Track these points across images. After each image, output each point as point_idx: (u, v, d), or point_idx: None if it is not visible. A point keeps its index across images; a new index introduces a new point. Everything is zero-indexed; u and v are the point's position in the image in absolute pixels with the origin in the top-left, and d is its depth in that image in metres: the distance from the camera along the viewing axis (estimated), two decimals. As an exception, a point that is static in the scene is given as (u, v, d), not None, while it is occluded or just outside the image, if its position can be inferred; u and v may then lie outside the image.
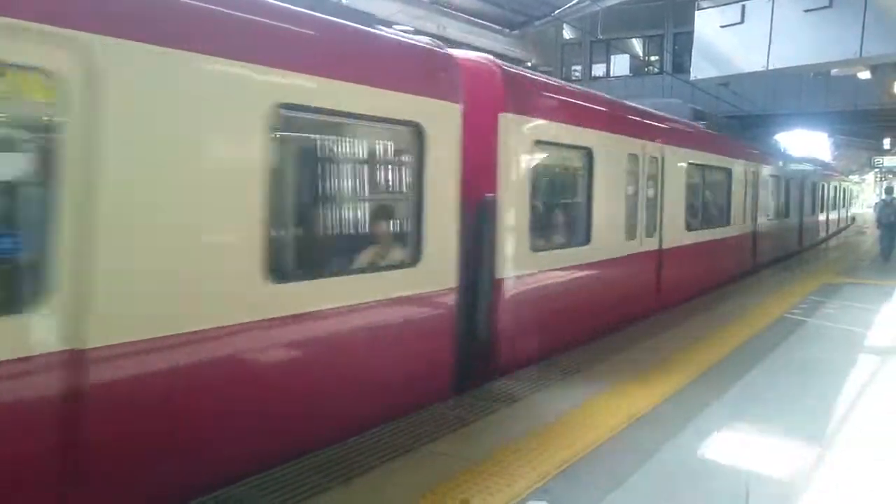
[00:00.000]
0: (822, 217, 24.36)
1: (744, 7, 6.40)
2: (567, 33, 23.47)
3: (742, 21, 6.33)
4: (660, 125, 9.67)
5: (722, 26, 6.50)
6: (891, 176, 43.19)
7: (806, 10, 5.81)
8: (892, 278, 13.45)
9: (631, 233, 8.61)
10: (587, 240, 7.41)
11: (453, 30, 16.74)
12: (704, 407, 5.22)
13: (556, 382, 5.83)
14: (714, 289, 11.37)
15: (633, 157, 8.56)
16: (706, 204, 11.94)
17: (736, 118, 20.21)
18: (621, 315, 8.14)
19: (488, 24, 18.38)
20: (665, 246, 9.50)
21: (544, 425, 4.74)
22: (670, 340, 7.49)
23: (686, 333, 7.88)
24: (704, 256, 11.29)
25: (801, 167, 19.83)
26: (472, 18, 17.61)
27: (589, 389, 5.59)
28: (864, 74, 14.05)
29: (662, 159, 9.35)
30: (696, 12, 6.76)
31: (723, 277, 12.27)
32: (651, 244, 9.16)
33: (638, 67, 24.03)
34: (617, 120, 8.39)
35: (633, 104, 9.55)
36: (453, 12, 16.82)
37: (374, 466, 4.01)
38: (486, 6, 17.35)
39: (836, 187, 28.53)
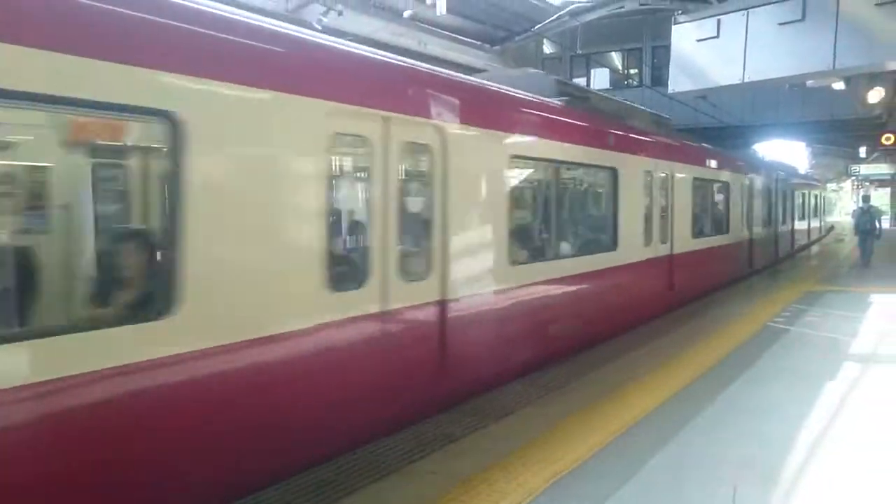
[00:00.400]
0: (803, 225, 24.72)
1: (719, 21, 6.50)
2: (547, 48, 23.69)
3: (718, 35, 6.43)
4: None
5: (698, 40, 6.60)
6: (867, 184, 43.88)
7: (780, 24, 5.92)
8: (871, 285, 13.62)
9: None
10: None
11: (434, 46, 16.85)
12: (690, 419, 5.24)
13: (543, 397, 5.83)
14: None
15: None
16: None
17: (714, 129, 20.52)
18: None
19: (469, 40, 18.51)
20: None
21: (531, 441, 4.73)
22: (653, 353, 7.53)
23: (671, 343, 7.93)
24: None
25: (780, 177, 19.97)
26: (452, 35, 17.73)
27: (574, 405, 5.59)
28: (839, 85, 14.32)
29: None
30: (673, 27, 6.85)
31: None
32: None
33: (617, 81, 24.29)
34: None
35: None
36: (434, 29, 16.93)
37: (361, 487, 3.98)
38: (466, 22, 17.48)
39: (816, 196, 28.94)
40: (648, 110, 10.87)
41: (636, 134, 9.67)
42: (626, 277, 8.99)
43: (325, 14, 13.42)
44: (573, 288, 7.54)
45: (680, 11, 8.00)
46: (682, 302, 11.03)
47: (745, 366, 6.90)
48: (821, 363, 7.09)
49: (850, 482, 4.14)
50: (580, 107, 8.41)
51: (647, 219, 9.80)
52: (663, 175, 10.31)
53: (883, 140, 16.43)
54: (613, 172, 8.64)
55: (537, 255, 7.47)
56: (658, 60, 22.07)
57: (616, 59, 24.66)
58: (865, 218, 18.73)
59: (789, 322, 9.44)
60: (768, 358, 7.32)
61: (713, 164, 13.20)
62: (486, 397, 5.83)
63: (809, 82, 7.94)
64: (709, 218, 13.50)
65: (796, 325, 9.21)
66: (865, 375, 6.65)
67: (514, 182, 6.92)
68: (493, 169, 6.29)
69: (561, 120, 7.74)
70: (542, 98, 7.51)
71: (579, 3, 17.85)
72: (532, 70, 12.04)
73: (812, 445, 4.70)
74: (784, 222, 20.36)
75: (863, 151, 28.43)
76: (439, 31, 17.10)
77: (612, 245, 8.76)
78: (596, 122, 8.52)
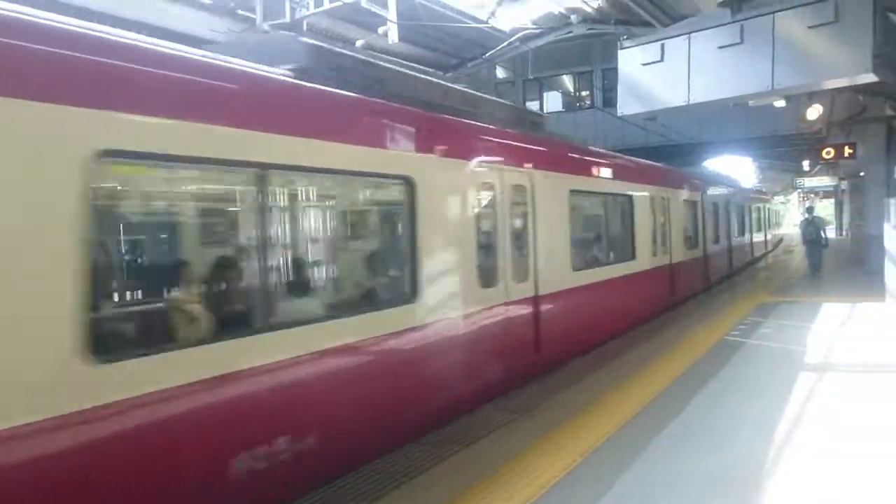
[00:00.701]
0: (750, 239, 24.36)
1: (663, 45, 6.69)
2: (500, 72, 24.06)
3: (662, 59, 6.61)
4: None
5: (644, 64, 6.78)
6: (812, 195, 45.41)
7: (720, 47, 6.14)
8: (821, 294, 14.04)
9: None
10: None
11: (388, 74, 16.94)
12: (653, 437, 5.27)
13: (505, 424, 5.81)
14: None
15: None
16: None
17: (665, 148, 21.05)
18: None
19: (422, 67, 18.68)
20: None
21: (496, 470, 4.69)
22: (612, 373, 7.59)
23: (630, 363, 8.01)
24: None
25: (726, 190, 20.07)
26: (406, 63, 17.87)
27: (539, 430, 5.59)
28: (780, 103, 14.84)
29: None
30: (619, 51, 7.03)
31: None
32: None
33: (570, 103, 24.77)
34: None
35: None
36: (388, 57, 17.04)
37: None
38: (418, 50, 17.64)
39: (761, 209, 29.35)
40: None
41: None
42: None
43: (276, 45, 13.39)
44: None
45: (625, 36, 8.23)
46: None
47: (704, 381, 7.00)
48: (777, 374, 7.23)
49: (811, 492, 4.21)
50: None
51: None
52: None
53: (824, 154, 17.07)
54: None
55: (590, 263, 9.54)
56: (608, 82, 22.59)
57: (568, 82, 25.17)
58: (811, 228, 19.55)
59: (745, 335, 9.64)
60: (727, 372, 7.44)
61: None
62: (452, 426, 5.78)
63: (751, 102, 8.22)
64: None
65: (752, 338, 9.41)
66: (820, 384, 6.81)
67: (572, 208, 8.67)
68: (560, 200, 8.40)
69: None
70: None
71: (529, 29, 18.20)
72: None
73: (773, 457, 4.78)
74: (718, 240, 17.98)
75: (806, 165, 29.40)
76: (393, 58, 17.24)
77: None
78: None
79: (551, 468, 4.68)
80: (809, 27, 5.63)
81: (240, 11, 13.34)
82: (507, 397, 6.65)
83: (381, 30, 13.57)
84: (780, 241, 38.76)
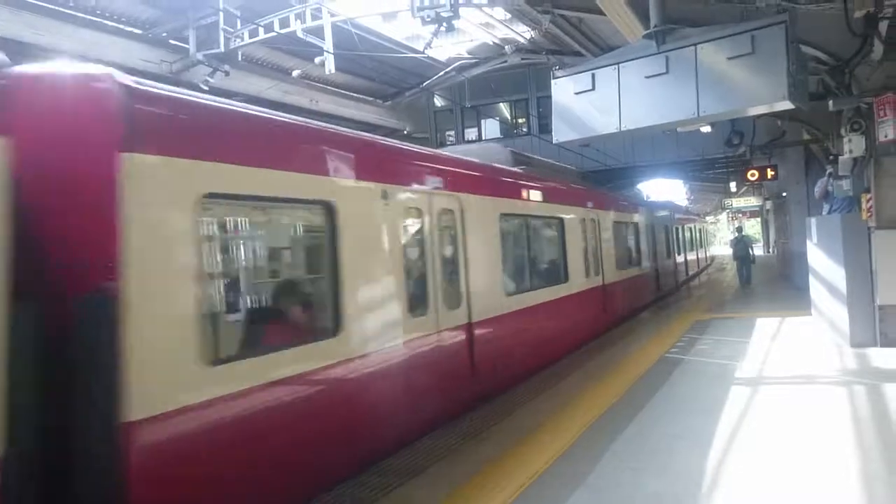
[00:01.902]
0: (680, 259, 23.49)
1: (594, 75, 6.90)
2: (438, 101, 24.37)
3: (593, 88, 6.81)
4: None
5: (576, 93, 6.96)
6: (740, 215, 47.36)
7: (647, 77, 6.38)
8: (751, 310, 14.61)
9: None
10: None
11: (325, 103, 16.93)
12: (598, 459, 5.34)
13: (454, 450, 5.78)
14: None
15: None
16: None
17: (600, 172, 21.66)
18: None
19: (361, 96, 18.75)
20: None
21: (442, 499, 4.66)
22: (553, 397, 7.68)
23: (572, 385, 8.12)
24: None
25: (654, 212, 19.59)
26: (343, 92, 17.90)
27: (490, 453, 5.59)
28: (706, 129, 15.58)
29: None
30: (552, 81, 7.21)
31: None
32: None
33: (507, 130, 25.25)
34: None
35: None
36: (324, 86, 17.03)
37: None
38: (356, 80, 17.71)
39: (692, 229, 29.49)
40: None
41: None
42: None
43: (211, 75, 13.23)
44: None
45: (557, 66, 8.46)
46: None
47: (645, 399, 7.16)
48: (715, 390, 7.45)
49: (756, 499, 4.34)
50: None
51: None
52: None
53: (748, 175, 17.90)
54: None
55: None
56: (543, 109, 23.16)
57: (504, 109, 25.68)
58: (740, 245, 22.07)
59: (683, 351, 9.93)
60: (667, 389, 7.63)
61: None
62: (396, 456, 5.71)
63: (679, 128, 8.56)
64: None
65: (690, 354, 9.69)
66: (756, 397, 7.06)
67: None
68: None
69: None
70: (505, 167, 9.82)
71: (465, 59, 18.56)
72: (491, 144, 13.13)
73: (714, 474, 4.90)
74: (652, 260, 17.67)
75: (733, 186, 30.68)
76: (330, 88, 17.24)
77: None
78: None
79: (501, 493, 4.67)
80: (729, 58, 5.92)
81: (172, 42, 13.13)
82: (445, 428, 6.54)
83: (317, 60, 13.61)
84: (713, 259, 40.17)
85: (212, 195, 4.28)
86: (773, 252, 34.35)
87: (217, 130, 4.57)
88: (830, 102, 9.35)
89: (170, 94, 4.34)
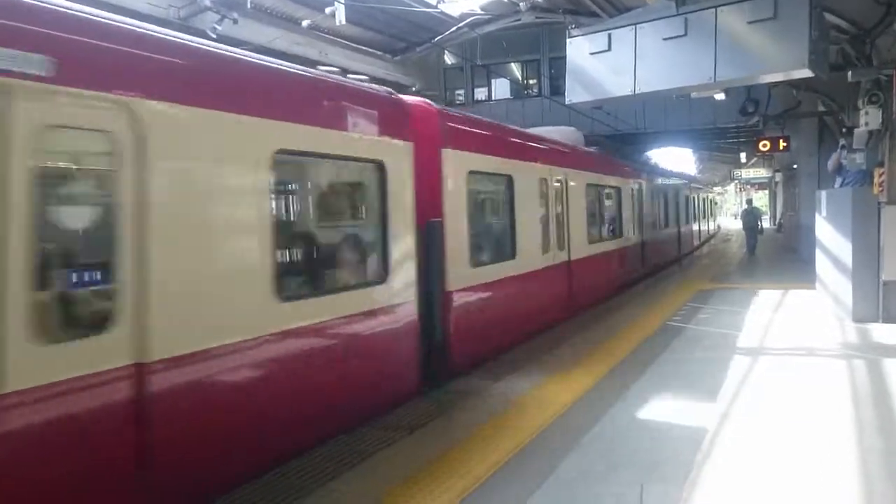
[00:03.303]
0: (681, 231, 22.91)
1: (610, 35, 6.76)
2: (449, 58, 23.99)
3: (609, 49, 6.68)
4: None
5: (591, 53, 6.84)
6: (748, 187, 47.07)
7: (664, 39, 6.25)
8: (755, 281, 14.60)
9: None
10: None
11: (334, 55, 16.67)
12: (607, 409, 5.39)
13: (447, 410, 5.84)
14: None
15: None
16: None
17: (611, 137, 21.44)
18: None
19: (370, 49, 18.45)
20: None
21: (442, 454, 4.71)
22: (544, 365, 7.72)
23: (579, 345, 8.17)
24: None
25: (656, 178, 19.21)
26: (352, 45, 17.61)
27: (482, 415, 5.64)
28: (720, 96, 15.31)
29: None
30: (568, 40, 7.08)
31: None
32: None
33: (518, 91, 24.91)
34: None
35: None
36: (334, 38, 16.75)
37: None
38: (366, 33, 17.41)
39: (696, 199, 28.39)
40: None
41: None
42: None
43: (219, 22, 13.00)
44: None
45: (573, 25, 8.32)
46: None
47: (644, 366, 7.19)
48: (715, 359, 7.48)
49: (747, 474, 4.38)
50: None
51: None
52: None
53: (760, 146, 17.65)
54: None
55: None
56: (556, 71, 22.81)
57: (516, 69, 25.29)
58: (750, 217, 23.28)
59: (685, 320, 9.95)
60: (668, 355, 7.66)
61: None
62: (393, 412, 5.77)
63: (693, 94, 8.42)
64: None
65: (692, 323, 9.72)
66: (755, 367, 7.08)
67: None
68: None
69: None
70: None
71: (478, 15, 18.18)
72: (566, 128, 14.20)
73: (711, 440, 4.94)
74: (643, 231, 16.39)
75: (743, 157, 30.44)
76: (339, 40, 16.96)
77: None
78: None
79: (497, 451, 4.72)
80: (749, 22, 5.78)
81: (180, -13, 12.87)
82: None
83: (327, 10, 13.36)
84: (718, 230, 39.83)
85: (473, 172, 7.84)
86: (779, 225, 33.87)
87: (477, 135, 8.38)
88: (849, 73, 9.18)
89: (454, 114, 8.37)
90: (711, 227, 35.16)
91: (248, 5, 13.29)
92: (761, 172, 38.85)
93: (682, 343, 8.38)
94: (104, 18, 3.84)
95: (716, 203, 44.79)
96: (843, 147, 11.14)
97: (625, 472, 4.35)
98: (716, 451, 4.73)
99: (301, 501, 4.05)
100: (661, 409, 5.74)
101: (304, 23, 15.51)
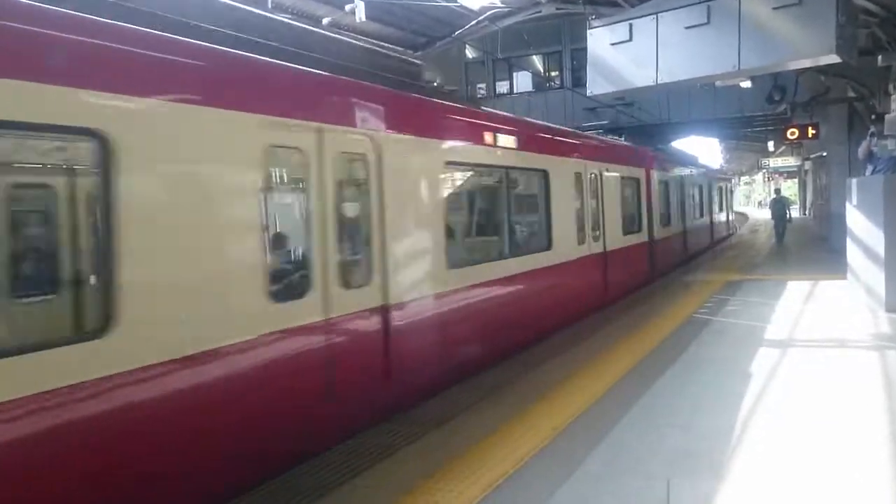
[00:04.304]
0: (710, 221, 23.56)
1: (631, 25, 6.70)
2: (469, 52, 23.92)
3: (630, 39, 6.62)
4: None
5: (612, 44, 6.77)
6: (776, 176, 46.28)
7: (687, 28, 6.16)
8: (784, 273, 14.36)
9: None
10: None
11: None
12: (623, 415, 5.36)
13: (478, 403, 5.84)
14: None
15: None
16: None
17: (634, 128, 21.23)
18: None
19: (391, 45, 18.46)
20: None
21: (468, 448, 4.72)
22: (585, 352, 7.69)
23: (607, 337, 8.12)
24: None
25: (683, 169, 19.21)
26: (374, 42, 17.63)
27: (509, 409, 5.64)
28: (746, 84, 15.06)
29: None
30: (588, 31, 7.02)
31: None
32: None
33: (540, 83, 24.76)
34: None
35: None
36: (355, 35, 16.79)
37: (298, 509, 3.87)
38: (386, 29, 17.43)
39: (723, 189, 27.88)
40: None
41: None
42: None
43: (241, 23, 13.09)
44: None
45: (594, 16, 8.24)
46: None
47: (671, 359, 7.12)
48: (743, 351, 7.39)
49: (776, 468, 4.32)
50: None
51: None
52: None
53: (788, 134, 17.32)
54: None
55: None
56: (577, 63, 22.63)
57: (537, 62, 25.13)
58: (778, 206, 23.80)
59: (712, 312, 9.83)
60: (694, 348, 7.59)
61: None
62: (422, 406, 5.80)
63: (718, 82, 8.30)
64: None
65: (719, 315, 9.59)
66: (784, 360, 6.97)
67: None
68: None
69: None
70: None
71: (498, 8, 18.08)
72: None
73: (739, 434, 4.88)
74: (670, 223, 16.46)
75: (771, 145, 29.87)
76: (360, 37, 16.99)
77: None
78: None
79: (525, 445, 4.72)
80: (774, 8, 5.68)
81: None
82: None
83: (348, 7, 13.40)
84: (746, 218, 39.18)
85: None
86: (809, 214, 33.31)
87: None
88: (879, 57, 8.97)
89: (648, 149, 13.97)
90: (735, 219, 33.86)
91: (269, 4, 13.38)
92: (790, 161, 38.13)
93: (709, 335, 8.29)
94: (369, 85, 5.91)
95: (729, 192, 41.85)
96: (873, 134, 10.89)
97: (652, 466, 4.32)
98: (745, 444, 4.68)
99: (329, 496, 4.09)
100: (691, 400, 5.68)
101: (325, 20, 15.56)
